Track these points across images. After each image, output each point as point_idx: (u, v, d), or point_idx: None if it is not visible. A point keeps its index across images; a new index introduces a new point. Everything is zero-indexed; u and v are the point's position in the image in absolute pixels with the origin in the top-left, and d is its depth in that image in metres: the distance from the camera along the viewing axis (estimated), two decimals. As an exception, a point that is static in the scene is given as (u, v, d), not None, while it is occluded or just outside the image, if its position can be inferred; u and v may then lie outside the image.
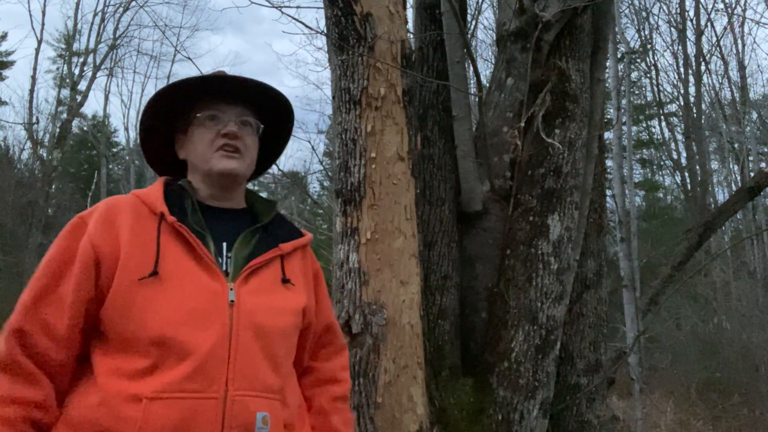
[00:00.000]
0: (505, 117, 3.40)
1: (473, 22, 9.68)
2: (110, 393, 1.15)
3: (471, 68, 3.71)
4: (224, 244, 1.32)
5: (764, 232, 14.32)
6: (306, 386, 1.44)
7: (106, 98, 24.69)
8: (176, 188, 1.37)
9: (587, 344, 3.55)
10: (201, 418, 1.15)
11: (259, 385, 1.22)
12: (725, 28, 16.05)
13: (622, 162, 10.89)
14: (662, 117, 19.56)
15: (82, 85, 20.05)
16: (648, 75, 18.00)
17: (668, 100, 18.71)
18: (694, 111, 14.74)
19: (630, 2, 14.79)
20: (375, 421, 2.53)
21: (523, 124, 3.32)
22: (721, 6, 15.43)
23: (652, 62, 16.92)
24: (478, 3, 10.02)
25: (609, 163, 9.44)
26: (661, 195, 23.79)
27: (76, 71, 20.21)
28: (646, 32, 16.15)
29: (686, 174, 17.78)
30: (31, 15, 26.90)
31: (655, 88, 17.84)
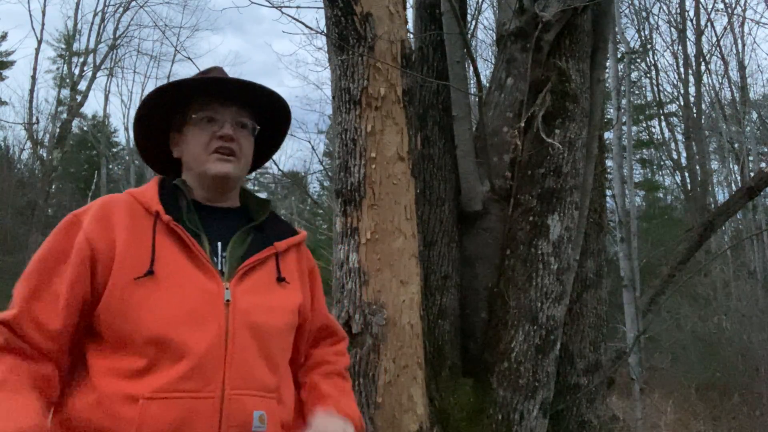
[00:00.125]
0: (505, 117, 3.40)
1: (473, 22, 9.69)
2: (106, 393, 1.15)
3: (471, 68, 3.71)
4: (219, 244, 1.32)
5: (764, 232, 14.32)
6: (301, 375, 1.45)
7: (106, 98, 24.69)
8: (171, 187, 1.37)
9: (587, 344, 3.55)
10: (198, 418, 1.15)
11: (256, 384, 1.22)
12: (725, 28, 16.06)
13: (622, 162, 10.89)
14: (662, 117, 19.57)
15: (82, 85, 20.08)
16: (648, 75, 18.02)
17: (668, 100, 18.72)
18: (694, 111, 14.75)
19: (630, 2, 14.80)
20: (375, 421, 2.53)
21: (523, 124, 3.32)
22: (721, 6, 15.43)
23: (652, 62, 16.95)
24: (478, 3, 10.03)
25: (609, 163, 9.44)
26: (661, 195, 23.80)
27: (76, 71, 20.23)
28: (646, 32, 16.16)
29: (686, 174, 17.80)
30: (31, 15, 26.94)
31: (655, 88, 17.87)
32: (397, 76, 2.71)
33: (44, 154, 19.37)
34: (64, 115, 20.20)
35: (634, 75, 17.98)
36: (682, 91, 16.21)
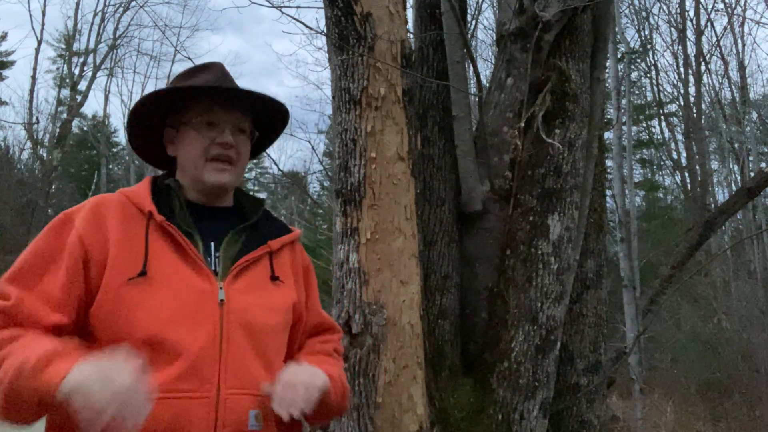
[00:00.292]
0: (505, 117, 3.40)
1: (473, 22, 9.69)
2: None
3: (471, 68, 3.71)
4: (212, 244, 1.31)
5: (764, 232, 14.32)
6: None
7: (106, 98, 24.73)
8: (164, 187, 1.36)
9: (587, 344, 3.55)
10: (194, 418, 1.15)
11: (251, 383, 1.22)
12: (725, 28, 16.05)
13: (622, 162, 10.89)
14: (662, 117, 19.57)
15: (82, 85, 20.09)
16: (648, 75, 18.01)
17: (668, 100, 18.72)
18: (694, 111, 14.73)
19: (630, 2, 14.79)
20: (375, 421, 2.53)
21: (523, 124, 3.32)
22: (721, 6, 15.43)
23: (652, 62, 16.93)
24: (478, 3, 10.03)
25: (609, 163, 9.45)
26: (661, 195, 23.80)
27: (76, 71, 20.24)
28: (646, 32, 16.15)
29: (686, 174, 17.79)
30: (31, 15, 26.97)
31: (655, 88, 17.84)
32: (397, 76, 2.71)
33: (44, 154, 19.37)
34: (64, 115, 20.21)
35: (634, 75, 18.01)
36: (682, 91, 16.19)
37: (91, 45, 20.42)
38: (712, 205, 15.24)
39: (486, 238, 3.33)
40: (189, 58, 4.27)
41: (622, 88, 11.50)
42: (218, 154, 1.34)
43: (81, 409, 0.99)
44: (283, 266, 1.39)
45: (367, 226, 2.63)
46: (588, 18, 3.52)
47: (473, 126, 3.51)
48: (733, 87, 16.57)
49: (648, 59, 17.00)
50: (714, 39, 15.96)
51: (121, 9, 20.43)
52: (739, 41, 16.01)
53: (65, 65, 21.69)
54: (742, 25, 15.55)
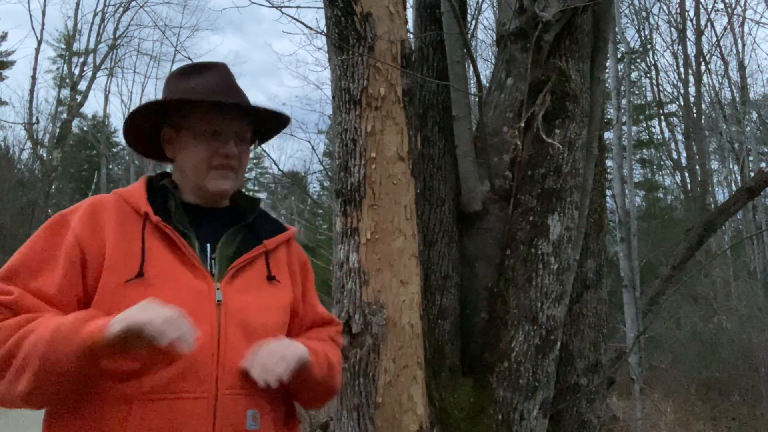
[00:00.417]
0: (505, 117, 3.40)
1: (473, 22, 9.69)
2: (100, 395, 1.15)
3: (471, 68, 3.71)
4: (208, 245, 1.32)
5: (764, 232, 14.32)
6: None
7: (106, 98, 24.72)
8: (159, 188, 1.36)
9: (587, 344, 3.55)
10: (192, 418, 1.16)
11: (248, 383, 1.23)
12: (725, 28, 16.05)
13: (622, 162, 10.89)
14: (662, 117, 19.57)
15: (82, 85, 20.10)
16: (648, 75, 18.00)
17: (668, 100, 18.71)
18: (694, 111, 14.73)
19: (630, 2, 14.79)
20: (375, 421, 2.53)
21: (523, 124, 3.32)
22: (721, 6, 15.42)
23: (652, 62, 16.92)
24: (478, 3, 10.03)
25: (609, 163, 9.45)
26: (661, 195, 23.80)
27: (76, 71, 20.25)
28: (646, 32, 16.14)
29: (686, 174, 17.79)
30: (31, 15, 26.99)
31: (655, 88, 17.84)
32: (397, 76, 2.71)
33: (44, 154, 19.38)
34: (64, 115, 20.22)
35: (634, 75, 18.00)
36: (682, 91, 16.19)
37: (91, 45, 20.44)
38: (712, 205, 15.24)
39: (486, 238, 3.33)
40: (189, 58, 4.28)
41: (622, 88, 11.50)
42: (221, 164, 1.34)
43: (146, 329, 1.06)
44: (280, 265, 1.40)
45: (367, 226, 2.63)
46: (588, 18, 3.52)
47: (473, 126, 3.51)
48: (733, 87, 16.58)
49: (648, 59, 17.00)
50: (714, 39, 15.97)
51: (121, 9, 20.46)
52: (739, 41, 16.03)
53: (65, 65, 21.70)
54: (742, 25, 15.56)
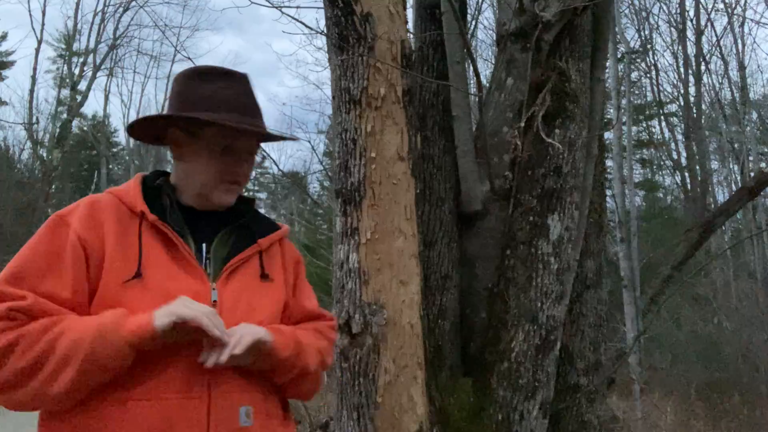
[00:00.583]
0: (505, 117, 3.40)
1: (473, 22, 9.69)
2: (95, 395, 1.15)
3: (471, 68, 3.71)
4: (203, 245, 1.32)
5: (764, 232, 14.32)
6: None
7: (106, 98, 24.71)
8: (154, 187, 1.36)
9: (587, 344, 3.55)
10: (186, 418, 1.16)
11: (242, 381, 1.24)
12: (725, 28, 16.06)
13: (622, 162, 10.90)
14: (662, 117, 19.57)
15: (82, 85, 20.09)
16: (648, 75, 18.02)
17: (668, 100, 18.73)
18: (694, 111, 14.74)
19: (630, 2, 14.80)
20: (375, 421, 2.53)
21: (523, 124, 3.32)
22: (721, 6, 15.44)
23: (652, 62, 16.94)
24: (478, 3, 10.03)
25: (609, 163, 9.45)
26: (661, 195, 23.79)
27: (76, 71, 20.24)
28: (646, 32, 16.16)
29: (686, 174, 17.80)
30: (31, 15, 26.97)
31: (655, 88, 17.86)
32: (397, 76, 2.71)
33: (44, 154, 19.38)
34: (64, 115, 20.21)
35: (634, 75, 18.00)
36: (682, 91, 16.22)
37: (91, 45, 20.43)
38: (712, 205, 15.26)
39: (486, 238, 3.33)
40: (189, 58, 4.27)
41: (622, 88, 11.50)
42: (230, 180, 1.36)
43: (201, 322, 1.14)
44: (273, 264, 1.41)
45: (367, 226, 2.63)
46: (588, 18, 3.52)
47: (473, 126, 3.51)
48: (733, 87, 16.57)
49: (648, 59, 17.01)
50: (714, 39, 15.98)
51: (121, 9, 20.45)
52: (739, 41, 16.02)
53: (65, 65, 21.70)
54: (742, 25, 15.55)
